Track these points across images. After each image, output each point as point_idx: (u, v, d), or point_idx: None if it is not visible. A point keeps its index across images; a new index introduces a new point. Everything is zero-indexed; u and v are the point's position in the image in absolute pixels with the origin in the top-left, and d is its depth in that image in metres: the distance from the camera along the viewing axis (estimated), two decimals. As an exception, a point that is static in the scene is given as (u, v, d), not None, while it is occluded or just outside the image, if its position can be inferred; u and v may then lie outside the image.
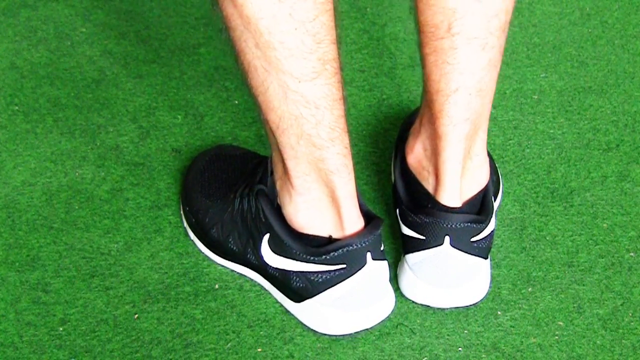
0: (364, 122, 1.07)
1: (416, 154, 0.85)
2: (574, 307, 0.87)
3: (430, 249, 0.81)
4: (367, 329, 0.83)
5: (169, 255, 0.91)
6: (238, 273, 0.89)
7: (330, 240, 0.80)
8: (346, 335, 0.83)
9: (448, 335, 0.84)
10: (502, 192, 0.98)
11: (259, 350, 0.83)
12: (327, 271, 0.79)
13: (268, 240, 0.82)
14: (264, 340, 0.84)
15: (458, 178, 0.80)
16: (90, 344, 0.83)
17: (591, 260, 0.92)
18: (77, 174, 1.00)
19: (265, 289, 0.87)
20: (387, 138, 1.05)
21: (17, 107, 1.08)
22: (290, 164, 0.77)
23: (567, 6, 1.27)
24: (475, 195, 0.83)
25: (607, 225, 0.95)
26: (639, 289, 0.89)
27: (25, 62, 1.15)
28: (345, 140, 0.76)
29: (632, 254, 0.92)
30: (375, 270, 0.80)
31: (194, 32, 1.20)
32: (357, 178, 0.99)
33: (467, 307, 0.86)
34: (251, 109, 1.09)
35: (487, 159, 0.84)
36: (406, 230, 0.84)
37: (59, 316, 0.85)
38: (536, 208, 0.97)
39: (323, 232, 0.80)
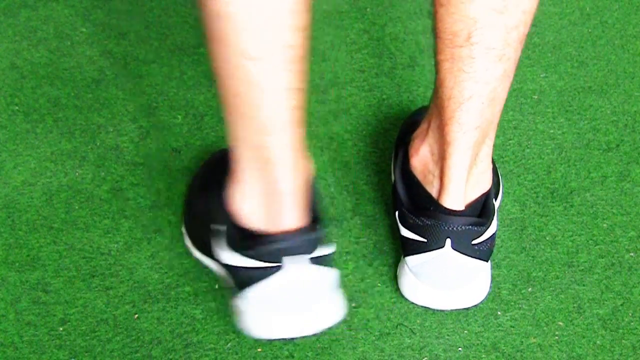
0: (364, 122, 1.07)
1: (422, 157, 0.85)
2: (574, 307, 0.87)
3: (432, 252, 0.81)
4: (291, 338, 0.81)
5: (169, 255, 0.91)
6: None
7: (259, 234, 0.76)
8: (271, 339, 0.81)
9: (448, 335, 0.84)
10: (502, 192, 0.98)
11: (259, 350, 0.83)
12: (252, 267, 0.75)
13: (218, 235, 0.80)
14: (264, 340, 0.84)
15: (463, 183, 0.80)
16: (90, 344, 0.83)
17: (591, 260, 0.92)
18: (77, 174, 1.00)
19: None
20: (387, 138, 1.05)
21: (17, 107, 1.08)
22: (235, 146, 0.74)
23: (567, 6, 1.27)
24: (478, 199, 0.83)
25: (607, 225, 0.95)
26: (639, 289, 0.89)
27: (25, 62, 1.15)
28: (293, 133, 0.73)
29: (632, 254, 0.92)
30: (304, 274, 0.75)
31: (194, 32, 1.20)
32: (357, 178, 0.99)
33: (467, 308, 0.86)
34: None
35: (490, 164, 0.84)
36: (406, 233, 0.84)
37: (59, 316, 0.85)
38: (536, 208, 0.97)
39: (262, 225, 0.77)
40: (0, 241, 0.92)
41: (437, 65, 0.78)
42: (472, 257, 0.81)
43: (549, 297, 0.88)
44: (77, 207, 0.96)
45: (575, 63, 1.17)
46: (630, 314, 0.87)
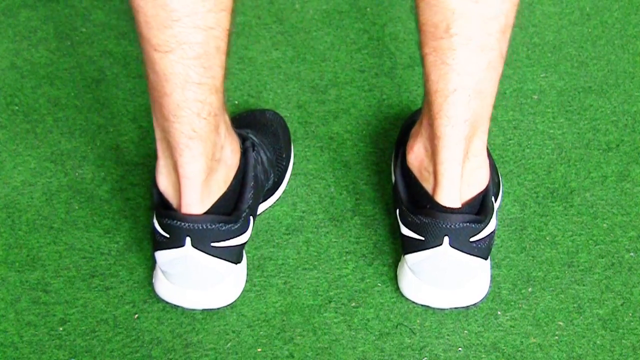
0: (364, 122, 1.07)
1: (417, 154, 0.85)
2: (574, 307, 0.87)
3: (430, 250, 0.81)
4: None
5: (169, 255, 0.91)
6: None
7: (166, 207, 0.82)
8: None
9: (448, 335, 0.84)
10: (503, 192, 0.98)
11: (259, 350, 0.83)
12: (157, 233, 0.81)
13: None
14: (263, 340, 0.84)
15: (457, 179, 0.80)
16: (90, 344, 0.83)
17: (591, 260, 0.92)
18: (77, 174, 1.00)
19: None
20: (387, 138, 1.05)
21: (17, 107, 1.08)
22: (154, 124, 0.80)
23: (567, 6, 1.27)
24: (476, 197, 0.83)
25: (607, 225, 0.95)
26: (639, 289, 0.89)
27: (25, 62, 1.15)
28: (196, 124, 0.76)
29: (632, 254, 0.92)
30: (186, 256, 0.80)
31: (194, 32, 1.20)
32: (357, 178, 1.00)
33: (467, 307, 0.86)
34: (251, 109, 1.09)
35: (487, 161, 0.84)
36: (405, 231, 0.84)
37: (59, 316, 0.85)
38: (536, 208, 0.97)
39: (172, 201, 0.82)
40: (0, 241, 0.92)
41: (422, 60, 0.79)
42: (470, 254, 0.81)
43: (549, 297, 0.88)
44: (77, 207, 0.96)
45: (575, 63, 1.17)
46: (630, 314, 0.87)
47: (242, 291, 0.88)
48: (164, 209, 0.81)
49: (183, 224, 0.79)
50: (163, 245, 0.81)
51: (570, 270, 0.91)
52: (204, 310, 0.86)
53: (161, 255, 0.81)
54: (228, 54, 0.77)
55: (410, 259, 0.84)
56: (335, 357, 0.82)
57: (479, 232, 0.81)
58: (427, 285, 0.84)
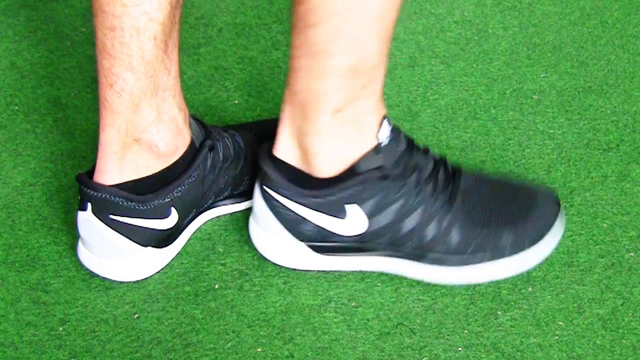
0: (364, 122, 1.07)
1: None
2: (574, 307, 0.87)
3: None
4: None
5: (169, 255, 0.91)
6: (237, 271, 0.89)
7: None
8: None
9: (448, 335, 0.84)
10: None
11: (259, 350, 0.83)
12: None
13: None
14: (263, 340, 0.84)
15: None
16: (90, 344, 0.83)
17: (591, 260, 0.92)
18: (77, 174, 0.99)
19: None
20: (387, 138, 1.05)
21: (17, 107, 1.08)
22: None
23: (567, 6, 1.27)
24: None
25: (607, 225, 0.95)
26: (639, 289, 0.89)
27: (25, 62, 1.15)
28: (108, 94, 0.80)
29: (632, 254, 0.92)
30: (87, 221, 0.84)
31: (194, 32, 1.20)
32: (357, 178, 0.99)
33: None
34: (251, 108, 1.09)
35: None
36: None
37: (59, 316, 0.85)
38: (536, 208, 0.97)
39: None
40: (0, 241, 0.92)
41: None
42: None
43: (549, 297, 0.88)
44: (77, 207, 0.96)
45: (575, 63, 1.17)
46: (630, 314, 0.87)
47: (242, 291, 0.88)
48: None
49: (86, 189, 0.83)
50: (78, 205, 0.85)
51: (570, 270, 0.91)
52: (105, 279, 0.88)
53: (77, 215, 0.85)
54: (163, 44, 0.79)
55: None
56: (335, 357, 0.82)
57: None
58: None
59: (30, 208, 0.96)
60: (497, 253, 0.86)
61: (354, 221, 0.84)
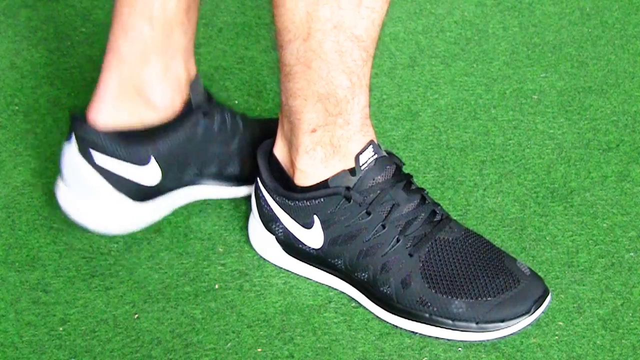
0: (364, 122, 1.07)
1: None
2: (574, 307, 0.87)
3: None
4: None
5: (169, 255, 0.91)
6: (237, 272, 0.89)
7: None
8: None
9: (448, 335, 0.84)
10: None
11: (259, 350, 0.83)
12: None
13: None
14: (263, 340, 0.84)
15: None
16: (90, 344, 0.83)
17: (591, 260, 0.92)
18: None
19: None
20: (387, 138, 1.05)
21: (17, 107, 1.08)
22: None
23: (567, 6, 1.27)
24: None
25: (607, 225, 0.95)
26: (639, 289, 0.89)
27: (25, 62, 1.15)
28: (120, 39, 0.84)
29: (632, 254, 0.92)
30: (69, 152, 0.86)
31: (194, 32, 1.20)
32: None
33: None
34: (251, 108, 1.09)
35: None
36: None
37: (59, 316, 0.85)
38: (536, 208, 0.97)
39: None
40: (0, 241, 0.92)
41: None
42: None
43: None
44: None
45: (575, 63, 1.17)
46: (630, 314, 0.87)
47: (242, 291, 0.88)
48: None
49: (75, 122, 0.85)
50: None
51: (570, 270, 0.91)
52: (79, 226, 0.89)
53: (64, 146, 0.87)
54: (186, 5, 0.82)
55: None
56: (335, 357, 0.82)
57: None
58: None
59: (30, 208, 0.96)
60: (444, 314, 0.82)
61: (316, 233, 0.84)
